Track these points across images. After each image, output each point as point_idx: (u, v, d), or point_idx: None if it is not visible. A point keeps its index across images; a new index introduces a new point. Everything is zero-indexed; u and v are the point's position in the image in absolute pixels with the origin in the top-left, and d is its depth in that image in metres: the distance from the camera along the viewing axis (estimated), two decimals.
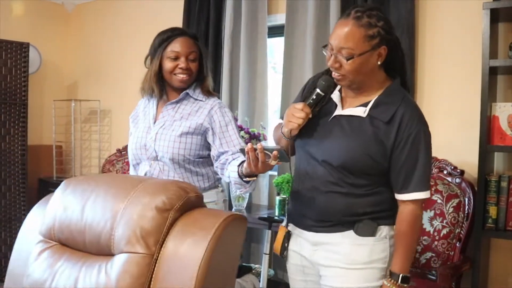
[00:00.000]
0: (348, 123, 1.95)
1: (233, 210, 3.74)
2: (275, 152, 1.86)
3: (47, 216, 1.95)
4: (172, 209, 1.70)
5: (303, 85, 2.21)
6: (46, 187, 4.98)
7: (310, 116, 1.96)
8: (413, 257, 1.96)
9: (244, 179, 2.17)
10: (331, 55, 1.88)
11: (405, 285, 1.89)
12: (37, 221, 2.02)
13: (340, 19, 1.88)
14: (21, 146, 4.81)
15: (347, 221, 1.95)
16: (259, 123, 4.09)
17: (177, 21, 4.50)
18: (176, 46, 2.42)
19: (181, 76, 2.42)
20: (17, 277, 1.96)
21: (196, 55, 2.45)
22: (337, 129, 1.96)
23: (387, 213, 1.97)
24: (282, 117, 2.14)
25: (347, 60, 1.83)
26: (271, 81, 4.32)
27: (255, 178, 2.14)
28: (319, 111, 2.01)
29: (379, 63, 1.89)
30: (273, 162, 1.90)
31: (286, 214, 2.22)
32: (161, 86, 2.49)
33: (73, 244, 1.86)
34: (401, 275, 1.89)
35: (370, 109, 1.92)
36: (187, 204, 1.75)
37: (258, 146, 1.87)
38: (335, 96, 2.02)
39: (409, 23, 3.46)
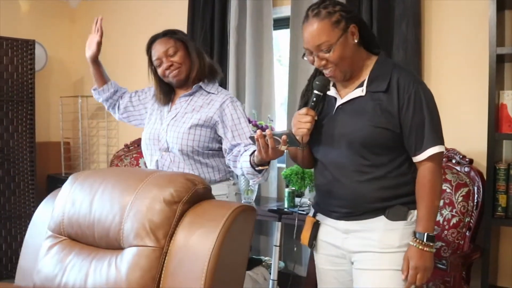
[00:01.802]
0: (352, 107, 2.01)
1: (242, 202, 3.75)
2: (284, 137, 1.90)
3: (55, 211, 1.95)
4: (181, 202, 1.70)
5: (302, 91, 2.26)
6: (54, 184, 4.98)
7: (316, 118, 2.01)
8: (436, 217, 1.98)
9: (256, 169, 2.19)
10: (313, 58, 1.97)
11: (431, 244, 1.93)
12: (45, 216, 2.02)
13: (303, 24, 1.98)
14: (29, 143, 4.83)
15: (377, 207, 1.98)
16: (266, 115, 4.09)
17: (182, 16, 4.50)
18: (154, 53, 2.53)
19: (171, 74, 2.50)
20: (27, 273, 1.96)
21: (175, 49, 2.50)
22: (344, 116, 2.02)
23: (414, 196, 2.00)
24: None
25: (329, 52, 1.92)
26: (277, 73, 4.31)
27: (267, 166, 2.18)
28: (322, 110, 2.07)
29: (356, 41, 1.97)
30: (283, 147, 1.93)
31: (312, 205, 2.25)
32: (165, 92, 2.59)
33: (82, 239, 1.86)
34: (426, 234, 1.92)
35: (367, 86, 1.99)
36: (195, 196, 1.74)
37: (267, 132, 1.92)
38: (332, 91, 2.08)
39: (415, 14, 3.44)
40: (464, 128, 3.39)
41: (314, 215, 2.18)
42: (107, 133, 5.41)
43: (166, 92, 2.59)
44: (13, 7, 5.16)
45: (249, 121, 3.74)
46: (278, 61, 4.55)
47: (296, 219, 2.92)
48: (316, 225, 2.15)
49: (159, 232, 1.67)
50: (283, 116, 4.27)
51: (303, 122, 1.98)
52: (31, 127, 4.83)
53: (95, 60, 2.73)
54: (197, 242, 1.64)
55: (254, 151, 2.17)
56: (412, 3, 3.45)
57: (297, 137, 2.00)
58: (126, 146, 4.82)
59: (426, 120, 1.93)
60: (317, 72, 2.11)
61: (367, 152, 1.96)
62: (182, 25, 4.41)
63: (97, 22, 2.68)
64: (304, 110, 2.00)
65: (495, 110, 2.98)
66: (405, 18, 3.45)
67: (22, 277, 2.00)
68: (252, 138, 1.98)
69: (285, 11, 4.18)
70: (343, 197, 2.02)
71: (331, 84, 2.09)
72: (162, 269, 1.65)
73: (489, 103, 2.98)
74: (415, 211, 1.99)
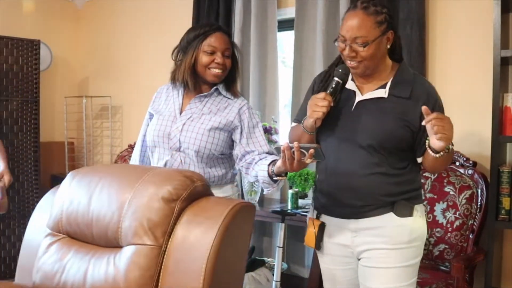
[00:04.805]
0: (374, 105, 2.06)
1: None
2: (311, 151, 1.89)
3: (54, 209, 1.93)
4: (179, 199, 1.69)
5: (311, 84, 2.30)
6: (58, 183, 4.97)
7: (332, 104, 2.03)
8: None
9: (273, 178, 2.18)
10: (345, 46, 2.00)
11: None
12: (44, 214, 2.01)
13: (348, 12, 2.02)
14: (34, 143, 4.84)
15: (386, 201, 2.02)
16: (270, 117, 4.09)
17: (187, 17, 4.50)
18: (213, 40, 2.42)
19: (216, 71, 2.42)
20: (27, 271, 1.95)
21: (230, 52, 2.46)
22: (366, 113, 2.06)
23: (417, 192, 2.08)
24: (295, 121, 2.25)
25: (364, 47, 1.96)
26: (281, 75, 4.31)
27: (284, 177, 2.16)
28: (339, 101, 2.11)
29: (388, 46, 2.05)
30: (308, 160, 1.92)
31: (313, 207, 2.24)
32: (195, 79, 2.47)
33: (81, 237, 1.85)
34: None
35: (389, 89, 2.05)
36: (193, 193, 1.73)
37: (295, 144, 1.90)
38: (350, 85, 2.12)
39: (419, 16, 3.45)
40: (468, 130, 3.39)
41: (318, 217, 2.18)
42: (111, 133, 5.42)
43: (196, 78, 2.47)
44: (18, 7, 5.18)
45: None
46: (282, 62, 4.56)
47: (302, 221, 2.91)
48: (322, 227, 2.15)
49: (157, 231, 1.66)
50: (287, 118, 4.27)
51: (320, 105, 1.99)
52: (35, 127, 4.85)
53: None
54: (196, 240, 1.62)
55: (273, 161, 2.18)
56: (417, 6, 3.45)
57: (311, 120, 2.02)
58: (130, 146, 4.82)
59: None
60: (339, 61, 2.15)
61: (383, 150, 2.01)
62: (187, 27, 4.39)
63: None
64: (322, 94, 2.02)
65: (499, 113, 2.98)
66: (410, 20, 3.45)
67: (22, 276, 1.99)
68: (277, 149, 1.97)
69: (289, 12, 4.17)
70: (355, 189, 2.03)
71: (349, 77, 2.13)
72: (161, 267, 1.64)
73: (493, 106, 2.98)
74: (418, 206, 2.06)
